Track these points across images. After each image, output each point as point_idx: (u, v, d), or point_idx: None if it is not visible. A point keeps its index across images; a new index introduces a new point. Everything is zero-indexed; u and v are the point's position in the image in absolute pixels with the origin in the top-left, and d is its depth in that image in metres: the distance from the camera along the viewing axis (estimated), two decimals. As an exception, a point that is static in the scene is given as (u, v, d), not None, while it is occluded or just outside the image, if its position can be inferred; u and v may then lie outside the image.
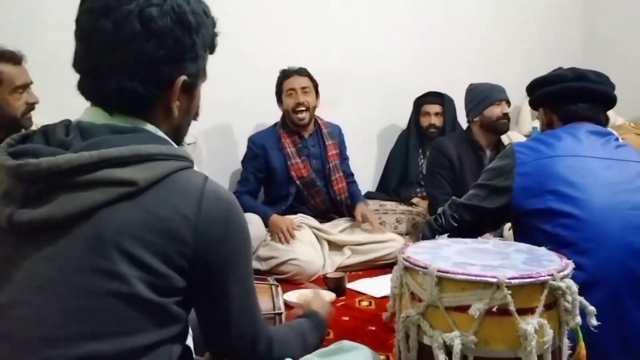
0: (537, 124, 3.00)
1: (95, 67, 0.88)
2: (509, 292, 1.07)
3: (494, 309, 1.08)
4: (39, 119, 1.94)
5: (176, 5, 0.87)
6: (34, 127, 1.90)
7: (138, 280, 0.80)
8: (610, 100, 1.67)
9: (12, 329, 0.80)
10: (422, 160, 3.37)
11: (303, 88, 2.85)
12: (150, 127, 0.90)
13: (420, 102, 3.41)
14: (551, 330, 1.09)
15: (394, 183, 3.38)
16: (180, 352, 0.89)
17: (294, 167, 2.84)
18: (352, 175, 3.11)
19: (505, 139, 2.98)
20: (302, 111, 2.85)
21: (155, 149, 0.84)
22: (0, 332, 0.80)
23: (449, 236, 1.44)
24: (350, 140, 3.17)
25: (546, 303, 1.10)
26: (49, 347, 0.78)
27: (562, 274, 1.12)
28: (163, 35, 0.86)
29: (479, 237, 1.69)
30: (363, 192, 3.20)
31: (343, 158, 3.04)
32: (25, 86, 1.92)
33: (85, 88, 0.90)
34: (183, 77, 0.90)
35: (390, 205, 3.14)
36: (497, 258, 1.22)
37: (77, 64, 0.90)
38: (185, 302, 0.88)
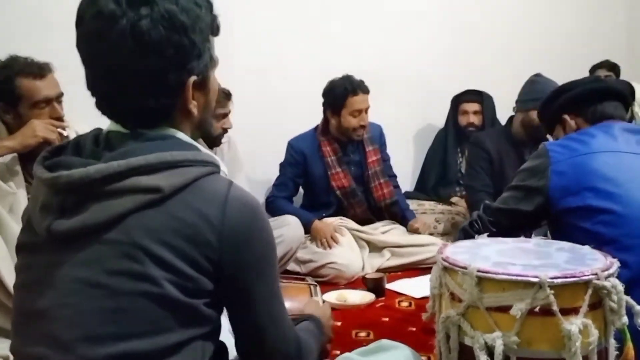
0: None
1: (105, 91, 0.90)
2: (552, 292, 1.05)
3: (537, 309, 1.06)
4: (82, 126, 1.97)
5: (165, 11, 0.85)
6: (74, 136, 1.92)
7: (168, 282, 0.83)
8: (629, 98, 1.67)
9: (55, 329, 0.84)
10: (461, 159, 3.33)
11: (367, 108, 2.79)
12: (175, 132, 0.92)
13: (458, 101, 3.37)
14: (596, 330, 1.07)
15: (432, 182, 3.35)
16: (213, 349, 0.92)
17: (334, 177, 2.81)
18: (395, 177, 3.04)
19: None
20: (362, 130, 2.81)
21: (180, 156, 0.86)
22: (45, 333, 0.84)
23: (488, 235, 1.42)
24: (387, 141, 3.15)
25: (590, 303, 1.08)
26: (88, 346, 0.82)
27: (606, 272, 1.09)
28: (160, 46, 0.85)
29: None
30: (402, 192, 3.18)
31: (384, 160, 2.97)
32: (49, 100, 1.83)
33: (103, 110, 0.92)
34: (192, 78, 0.91)
35: (429, 205, 3.12)
36: (538, 257, 1.20)
37: (89, 88, 0.92)
38: (215, 304, 0.90)
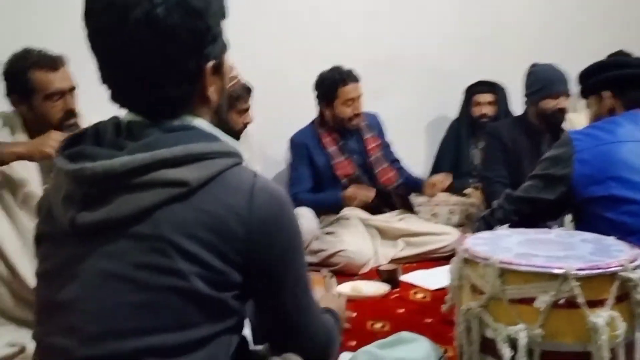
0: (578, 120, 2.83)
1: (122, 83, 0.88)
2: (577, 283, 1.03)
3: (561, 302, 1.04)
4: (96, 118, 1.97)
5: None
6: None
7: (196, 276, 0.82)
8: None
9: (79, 322, 0.83)
10: (475, 151, 3.29)
11: (359, 97, 2.80)
12: (198, 122, 0.91)
13: (471, 92, 3.32)
14: (624, 323, 1.05)
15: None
16: (237, 341, 0.91)
17: (337, 166, 2.82)
18: (398, 161, 3.04)
19: (566, 123, 2.83)
20: (357, 118, 2.82)
21: (206, 148, 0.85)
22: (68, 326, 0.83)
23: (510, 226, 1.39)
24: (398, 131, 3.12)
25: (617, 295, 1.06)
26: (114, 339, 0.81)
27: (633, 264, 1.07)
28: (177, 34, 0.83)
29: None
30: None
31: (384, 146, 2.98)
32: (62, 92, 1.84)
33: (119, 101, 0.90)
34: (210, 63, 0.89)
35: (442, 196, 3.08)
36: (561, 248, 1.18)
37: (104, 81, 0.89)
38: (242, 296, 0.89)
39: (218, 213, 0.83)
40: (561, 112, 2.66)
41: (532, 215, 1.64)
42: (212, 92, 0.91)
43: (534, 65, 2.75)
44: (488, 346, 1.13)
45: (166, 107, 0.88)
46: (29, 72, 1.81)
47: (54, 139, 1.74)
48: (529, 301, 1.06)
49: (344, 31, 3.25)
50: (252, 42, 2.86)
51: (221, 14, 0.92)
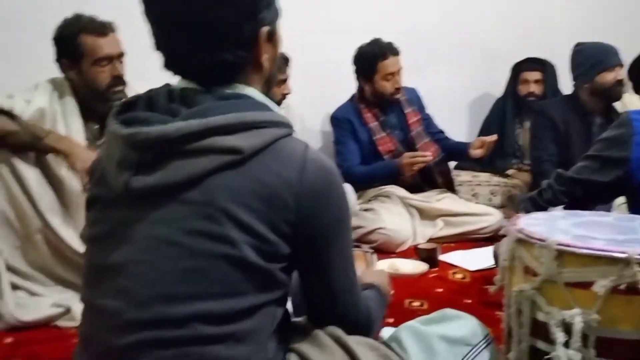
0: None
1: (179, 49, 0.87)
2: (640, 269, 0.98)
3: (622, 287, 1.00)
4: (141, 86, 1.98)
5: None
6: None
7: (247, 245, 0.81)
8: None
9: (130, 285, 0.83)
10: (519, 130, 3.19)
11: (399, 70, 2.73)
12: (250, 91, 0.90)
13: (518, 69, 3.21)
14: (689, 311, 1.00)
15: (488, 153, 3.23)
16: (282, 314, 0.91)
17: (380, 142, 2.77)
18: (442, 131, 2.97)
19: (617, 104, 2.73)
20: (397, 93, 2.76)
21: (259, 116, 0.85)
22: (120, 288, 0.84)
23: (564, 208, 1.35)
24: (441, 109, 3.05)
25: (682, 282, 1.00)
26: (164, 303, 0.81)
27: (700, 250, 1.01)
28: None
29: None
30: (455, 163, 3.09)
31: (424, 119, 2.91)
32: (110, 58, 1.86)
33: (174, 68, 0.90)
34: (265, 29, 0.89)
35: (484, 176, 3.02)
36: (621, 232, 1.13)
37: (159, 47, 0.89)
38: (289, 269, 0.89)
39: (270, 182, 0.83)
40: (620, 84, 2.56)
41: (582, 197, 1.59)
42: (265, 59, 0.91)
43: (578, 45, 2.67)
44: (539, 330, 1.09)
45: (220, 72, 0.88)
46: (79, 36, 1.83)
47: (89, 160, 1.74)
48: (586, 285, 1.02)
49: (384, 5, 3.17)
50: (289, 14, 2.80)
51: None
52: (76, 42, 1.83)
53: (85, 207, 0.95)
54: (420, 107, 2.93)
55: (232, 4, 0.84)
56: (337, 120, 2.84)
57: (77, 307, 1.68)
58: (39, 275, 1.82)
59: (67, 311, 1.73)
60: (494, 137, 2.71)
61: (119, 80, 1.89)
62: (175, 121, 0.82)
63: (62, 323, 1.72)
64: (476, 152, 2.73)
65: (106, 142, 0.91)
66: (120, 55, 1.91)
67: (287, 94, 2.56)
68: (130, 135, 0.83)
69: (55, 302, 1.76)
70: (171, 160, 0.82)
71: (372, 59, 2.71)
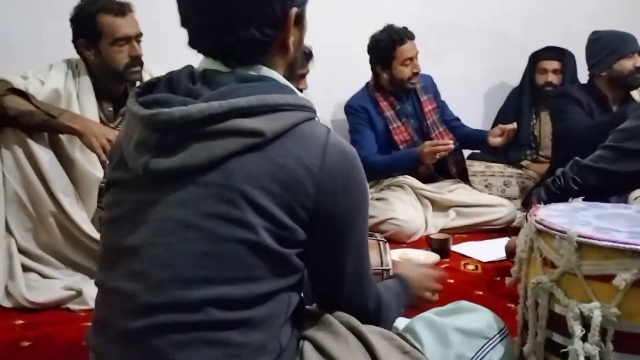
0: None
1: (207, 24, 0.86)
2: (663, 263, 0.96)
3: (643, 281, 0.97)
4: (156, 69, 1.97)
5: None
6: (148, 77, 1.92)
7: (264, 230, 0.80)
8: None
9: (146, 267, 0.82)
10: (535, 121, 3.14)
11: (417, 54, 2.69)
12: (273, 74, 0.89)
13: (536, 58, 3.15)
14: None
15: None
16: (297, 300, 0.90)
17: (396, 131, 2.72)
18: (458, 119, 2.91)
19: (635, 93, 2.67)
20: (416, 77, 2.71)
21: (281, 99, 0.83)
22: (136, 270, 0.83)
23: (584, 199, 1.32)
24: (456, 97, 3.00)
25: None
26: (180, 287, 0.80)
27: None
28: None
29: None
30: (468, 154, 3.05)
31: (439, 106, 2.86)
32: (128, 38, 1.86)
33: (200, 45, 0.89)
34: (294, 10, 0.87)
35: (497, 167, 2.98)
36: (644, 225, 1.10)
37: (186, 23, 0.88)
38: (305, 254, 0.88)
39: (290, 167, 0.81)
40: (638, 71, 2.50)
41: (596, 186, 1.57)
42: (291, 42, 0.89)
43: (594, 33, 2.61)
44: (556, 322, 1.08)
45: (246, 51, 0.87)
46: (98, 16, 1.83)
47: (107, 138, 1.75)
48: (607, 278, 1.00)
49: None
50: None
51: None
52: (95, 21, 1.83)
53: (104, 190, 0.94)
54: (435, 94, 2.88)
55: None
56: (353, 109, 2.79)
57: (89, 290, 1.68)
58: (50, 258, 1.82)
59: (79, 294, 1.73)
60: (514, 125, 2.64)
61: (136, 60, 1.89)
62: (197, 103, 0.81)
63: (73, 306, 1.72)
64: (496, 140, 2.67)
65: (125, 124, 0.89)
66: (138, 36, 1.90)
67: (303, 89, 2.52)
68: (151, 116, 0.81)
69: (66, 285, 1.76)
70: (192, 143, 0.81)
71: (389, 45, 2.66)
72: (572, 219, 1.12)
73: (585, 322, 1.02)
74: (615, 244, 0.99)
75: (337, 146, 0.85)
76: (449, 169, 2.81)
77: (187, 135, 0.81)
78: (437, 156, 2.55)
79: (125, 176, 0.87)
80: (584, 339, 1.01)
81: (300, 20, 0.91)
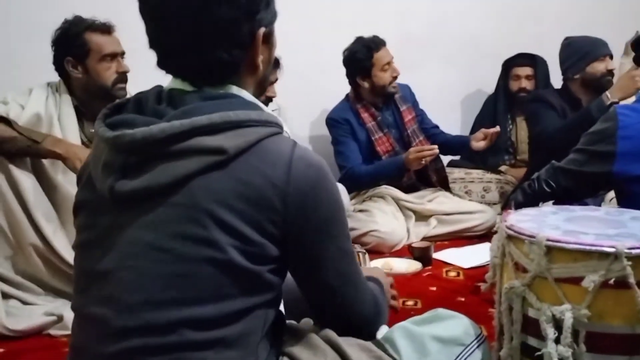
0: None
1: (174, 46, 0.86)
2: (629, 263, 0.98)
3: (611, 282, 0.99)
4: (133, 89, 1.98)
5: None
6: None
7: (232, 247, 0.80)
8: None
9: (117, 291, 0.82)
10: (511, 127, 3.19)
11: (392, 59, 2.73)
12: (238, 91, 0.89)
13: (509, 65, 3.22)
14: (678, 305, 0.99)
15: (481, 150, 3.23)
16: (274, 316, 0.90)
17: (378, 142, 2.74)
18: (437, 126, 2.95)
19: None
20: (395, 80, 2.75)
21: (244, 115, 0.83)
22: (107, 295, 0.83)
23: (554, 203, 1.35)
24: (432, 106, 3.03)
25: (671, 276, 1.00)
26: (151, 310, 0.80)
27: (690, 244, 1.01)
28: None
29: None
30: (447, 161, 3.08)
31: (418, 114, 2.90)
32: (114, 55, 1.91)
33: (168, 66, 0.89)
34: (262, 30, 0.88)
35: (476, 173, 3.02)
36: (611, 226, 1.12)
37: (154, 45, 0.88)
38: (279, 270, 0.88)
39: (255, 183, 0.81)
40: (610, 74, 2.57)
41: (568, 188, 1.60)
42: (260, 61, 0.90)
43: (567, 39, 2.68)
44: (530, 326, 1.09)
45: (215, 72, 0.87)
46: (85, 34, 1.87)
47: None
48: (576, 280, 1.02)
49: (377, 3, 3.17)
50: (280, 15, 2.80)
51: None
52: (82, 39, 1.87)
53: (73, 213, 0.94)
54: (414, 103, 2.92)
55: (231, 3, 0.83)
56: (335, 120, 2.80)
57: (69, 315, 1.65)
58: (30, 285, 1.81)
59: (60, 319, 1.72)
60: (497, 129, 2.68)
61: (124, 76, 1.92)
62: (160, 122, 0.81)
63: (55, 331, 1.71)
64: (479, 144, 2.70)
65: (94, 146, 0.89)
66: (123, 53, 1.95)
67: (272, 97, 2.54)
68: (115, 138, 0.82)
69: (47, 311, 1.75)
70: (156, 163, 0.81)
71: (366, 53, 2.69)
72: (541, 223, 1.14)
73: (558, 324, 1.03)
74: (582, 247, 1.01)
75: (303, 159, 0.85)
76: (430, 177, 2.83)
77: (151, 156, 0.81)
78: (423, 161, 2.56)
79: (93, 198, 0.87)
80: (557, 341, 1.03)
81: (269, 39, 0.91)
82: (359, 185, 2.72)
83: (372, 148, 2.75)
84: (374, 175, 2.69)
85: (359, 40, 2.73)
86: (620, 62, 3.31)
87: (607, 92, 2.32)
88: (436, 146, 2.57)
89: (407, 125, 2.81)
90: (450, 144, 2.84)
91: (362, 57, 2.70)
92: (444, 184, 2.87)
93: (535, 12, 3.52)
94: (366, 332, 1.00)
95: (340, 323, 0.97)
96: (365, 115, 2.77)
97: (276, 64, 2.49)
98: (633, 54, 2.68)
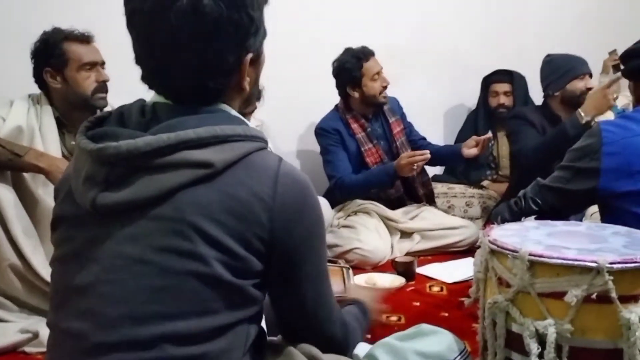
0: (618, 102, 2.77)
1: (159, 68, 0.86)
2: (610, 277, 0.99)
3: (593, 296, 1.00)
4: (115, 100, 1.96)
5: None
6: (108, 108, 1.92)
7: (217, 261, 0.80)
8: None
9: (98, 306, 0.80)
10: (493, 142, 3.22)
11: (382, 68, 2.75)
12: (224, 107, 0.89)
13: (488, 81, 3.26)
14: (659, 320, 1.00)
15: (463, 165, 3.25)
16: (256, 332, 0.89)
17: (367, 153, 2.74)
18: (424, 138, 2.94)
19: (609, 113, 2.76)
20: (385, 89, 2.75)
21: (231, 130, 0.83)
22: (86, 309, 0.81)
23: (536, 218, 1.35)
24: (415, 121, 3.05)
25: (652, 290, 1.01)
26: (132, 324, 0.79)
27: (670, 259, 1.02)
28: (222, 26, 0.82)
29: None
30: (430, 175, 3.10)
31: (406, 127, 2.90)
32: (94, 64, 1.90)
33: (152, 83, 0.88)
34: (249, 56, 0.88)
35: (459, 188, 3.03)
36: (593, 241, 1.13)
37: (140, 62, 0.87)
38: (262, 285, 0.87)
39: (242, 197, 0.81)
40: (589, 92, 2.58)
41: (554, 206, 1.60)
42: (246, 83, 0.90)
43: (549, 56, 2.72)
44: (514, 341, 1.09)
45: (198, 97, 0.86)
46: (63, 43, 1.87)
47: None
48: (558, 295, 1.02)
49: (360, 17, 3.20)
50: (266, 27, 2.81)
51: (265, 1, 0.90)
52: (61, 49, 1.86)
53: (50, 228, 0.92)
54: (402, 115, 2.93)
55: (219, 34, 0.82)
56: (324, 130, 2.77)
57: (45, 332, 1.62)
58: (4, 301, 1.77)
59: (35, 336, 1.67)
60: (489, 135, 2.67)
61: (104, 85, 1.91)
62: (145, 136, 0.80)
63: (30, 349, 1.66)
64: (470, 152, 2.67)
65: (74, 158, 0.88)
66: (103, 63, 1.94)
67: (253, 109, 2.52)
68: (99, 150, 0.80)
69: (22, 328, 1.70)
70: (140, 176, 0.80)
71: (356, 64, 2.70)
72: (524, 238, 1.14)
73: (541, 339, 1.03)
74: (564, 261, 1.01)
75: (289, 175, 0.86)
76: (416, 190, 2.83)
77: (136, 169, 0.80)
78: (415, 167, 2.53)
79: (73, 212, 0.85)
80: (541, 356, 1.02)
81: (256, 60, 0.91)
82: (348, 194, 2.70)
83: (361, 159, 2.75)
84: (364, 184, 2.67)
85: (348, 50, 2.75)
86: (599, 81, 3.37)
87: (580, 110, 2.34)
88: (427, 151, 2.53)
89: (396, 137, 2.81)
90: (440, 154, 2.80)
91: (351, 67, 2.71)
92: (429, 198, 2.87)
93: (517, 28, 3.58)
94: (335, 352, 0.99)
95: (310, 342, 0.96)
96: (355, 126, 2.76)
97: (258, 96, 2.47)
98: (611, 71, 2.74)
